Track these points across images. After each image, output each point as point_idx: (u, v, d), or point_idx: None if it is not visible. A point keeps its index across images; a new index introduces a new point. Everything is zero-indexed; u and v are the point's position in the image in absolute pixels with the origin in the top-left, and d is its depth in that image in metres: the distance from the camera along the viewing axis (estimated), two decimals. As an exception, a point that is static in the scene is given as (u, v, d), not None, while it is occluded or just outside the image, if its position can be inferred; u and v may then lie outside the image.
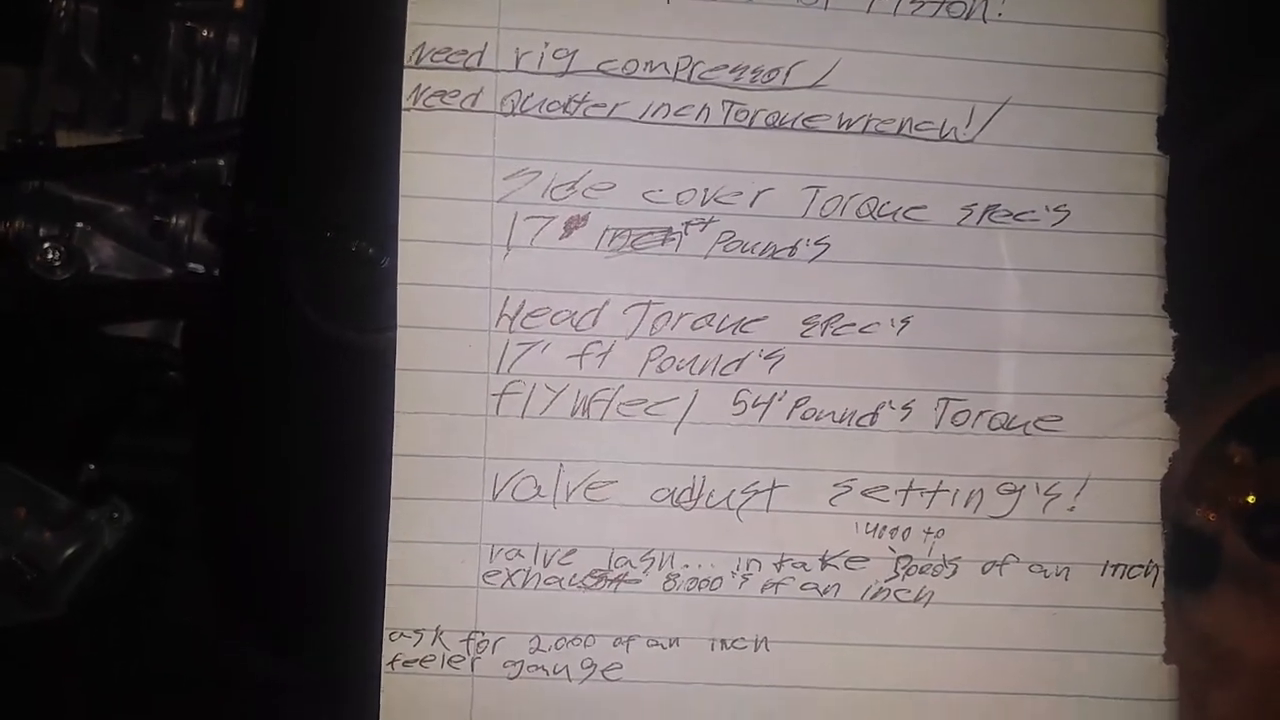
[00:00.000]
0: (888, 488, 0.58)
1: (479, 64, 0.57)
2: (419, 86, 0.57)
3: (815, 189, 0.58)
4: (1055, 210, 0.58)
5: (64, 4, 0.83)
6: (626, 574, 0.57)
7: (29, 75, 0.84)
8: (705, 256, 0.58)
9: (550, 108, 0.57)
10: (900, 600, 0.58)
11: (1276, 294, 0.66)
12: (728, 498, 0.57)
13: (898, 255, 0.58)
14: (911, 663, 0.58)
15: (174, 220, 0.81)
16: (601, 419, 0.57)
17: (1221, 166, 0.64)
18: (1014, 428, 0.58)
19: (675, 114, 0.58)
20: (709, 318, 0.58)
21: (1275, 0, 0.65)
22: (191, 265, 0.82)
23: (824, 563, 0.58)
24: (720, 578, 0.57)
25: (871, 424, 0.58)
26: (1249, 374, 0.66)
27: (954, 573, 0.58)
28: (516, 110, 0.57)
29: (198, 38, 0.84)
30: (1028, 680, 0.58)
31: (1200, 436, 0.64)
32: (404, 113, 0.57)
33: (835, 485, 0.58)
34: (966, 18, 0.58)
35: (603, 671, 0.57)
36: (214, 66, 0.84)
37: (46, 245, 0.80)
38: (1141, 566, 0.58)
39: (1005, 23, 0.58)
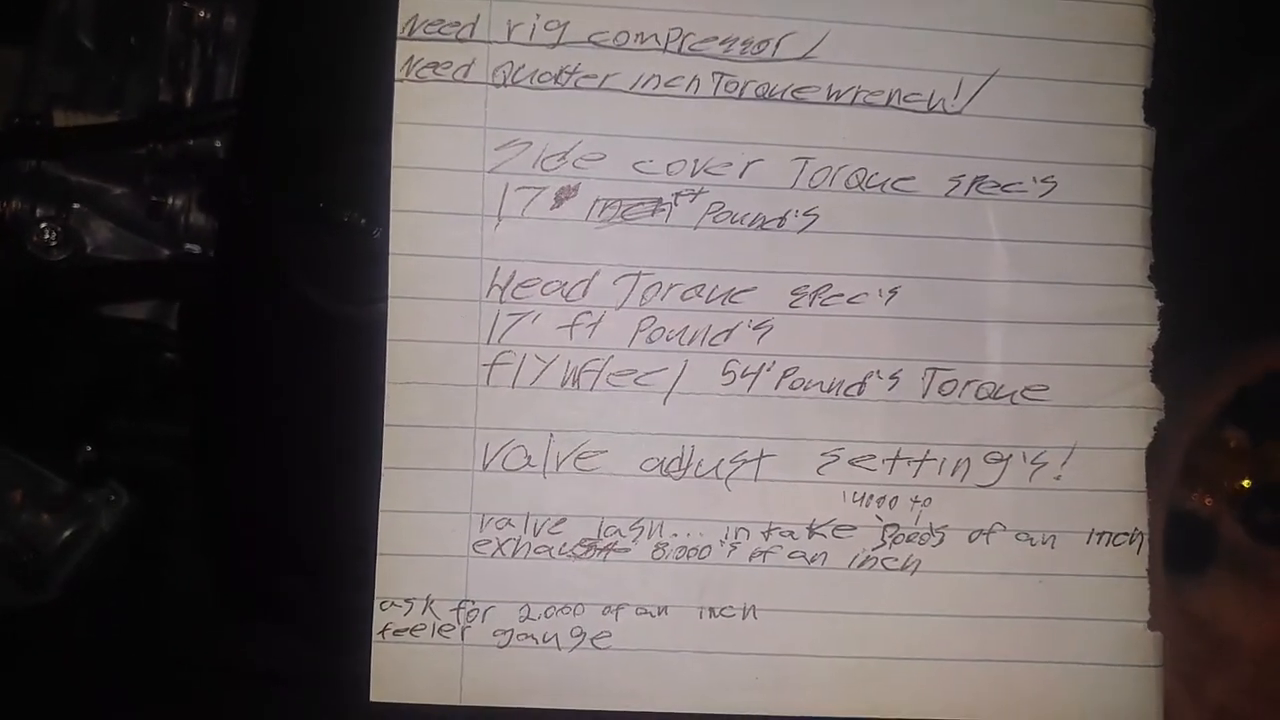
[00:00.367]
0: (875, 457, 0.58)
1: (471, 35, 0.57)
2: (411, 58, 0.57)
3: (804, 160, 0.58)
4: (1042, 181, 0.58)
5: (62, -16, 0.83)
6: (616, 543, 0.58)
7: (27, 56, 0.84)
8: (695, 227, 0.58)
9: (541, 79, 0.58)
10: (887, 569, 0.58)
11: (1268, 277, 0.66)
12: (716, 467, 0.58)
13: (886, 226, 0.58)
14: (899, 631, 0.58)
15: (170, 200, 0.81)
16: (591, 389, 0.58)
17: (1208, 140, 0.64)
18: (1001, 397, 0.58)
19: (665, 85, 0.58)
20: (698, 288, 0.58)
21: None
22: (188, 245, 0.81)
23: (812, 531, 0.58)
24: (709, 546, 0.58)
25: (859, 394, 0.58)
26: (1244, 358, 0.65)
27: (941, 541, 0.58)
28: (508, 81, 0.58)
29: (195, 19, 0.84)
30: (1014, 648, 0.58)
31: (1195, 421, 0.64)
32: (396, 84, 0.57)
33: (823, 454, 0.58)
34: (954, -11, 0.59)
35: (592, 640, 0.57)
36: (210, 48, 0.84)
37: (43, 225, 0.80)
38: (1126, 534, 0.58)
39: (993, -6, 0.59)
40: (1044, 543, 0.58)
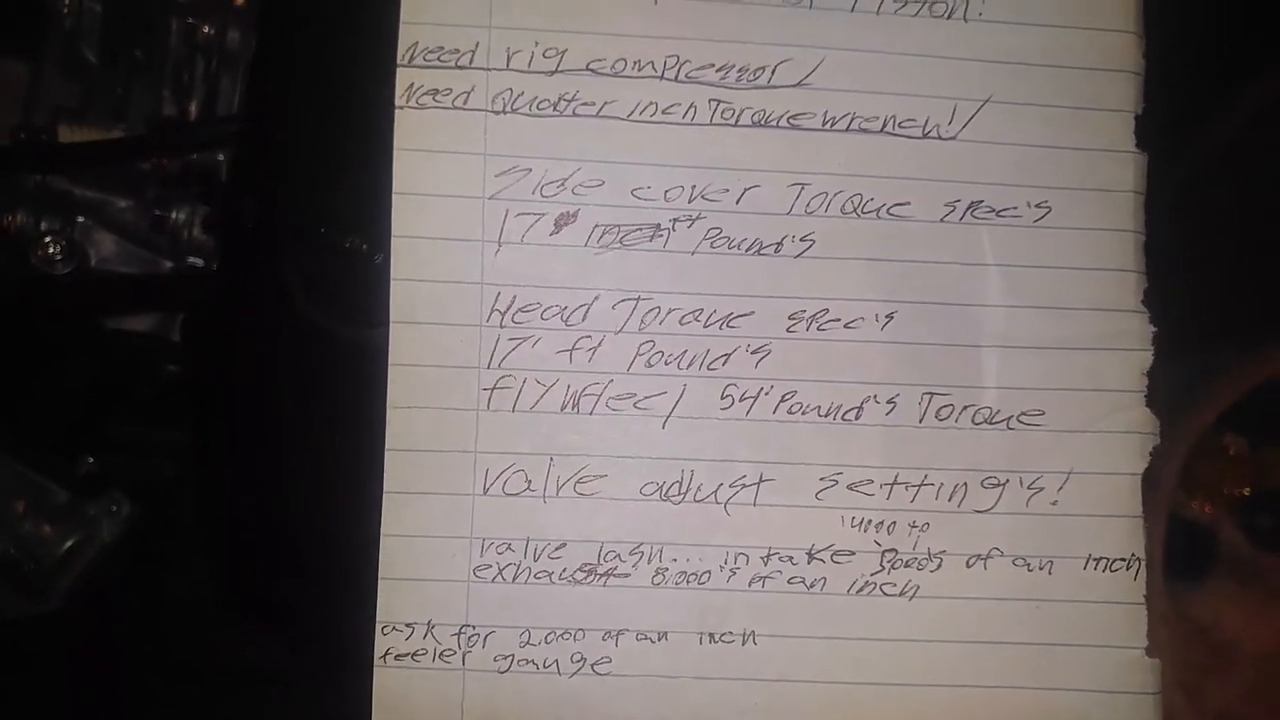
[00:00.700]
0: (873, 481, 0.58)
1: (470, 63, 0.58)
2: (411, 85, 0.57)
3: (800, 186, 0.58)
4: (1036, 206, 0.59)
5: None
6: (616, 568, 0.58)
7: (32, 70, 0.85)
8: (693, 253, 0.58)
9: (540, 106, 0.58)
10: (886, 594, 0.58)
11: (1263, 287, 0.66)
12: (715, 491, 0.58)
13: (882, 251, 0.58)
14: (897, 656, 0.58)
15: (174, 215, 0.81)
16: (591, 413, 0.58)
17: (1199, 164, 0.65)
18: (997, 422, 0.58)
19: (663, 112, 0.58)
20: (697, 313, 0.58)
21: (1248, 1, 0.66)
22: (191, 259, 0.82)
23: (811, 556, 0.58)
24: (708, 571, 0.58)
25: (857, 418, 0.58)
26: (1244, 365, 0.65)
27: (938, 566, 0.58)
28: (507, 109, 0.58)
29: (199, 34, 0.84)
30: (1012, 673, 0.58)
31: (1195, 428, 0.64)
32: (397, 111, 0.57)
33: (821, 479, 0.58)
34: (948, 17, 0.59)
35: (592, 665, 0.58)
36: (214, 62, 0.84)
37: (48, 239, 0.80)
38: (1124, 560, 0.58)
39: (986, 22, 0.59)
40: (1041, 568, 0.58)
